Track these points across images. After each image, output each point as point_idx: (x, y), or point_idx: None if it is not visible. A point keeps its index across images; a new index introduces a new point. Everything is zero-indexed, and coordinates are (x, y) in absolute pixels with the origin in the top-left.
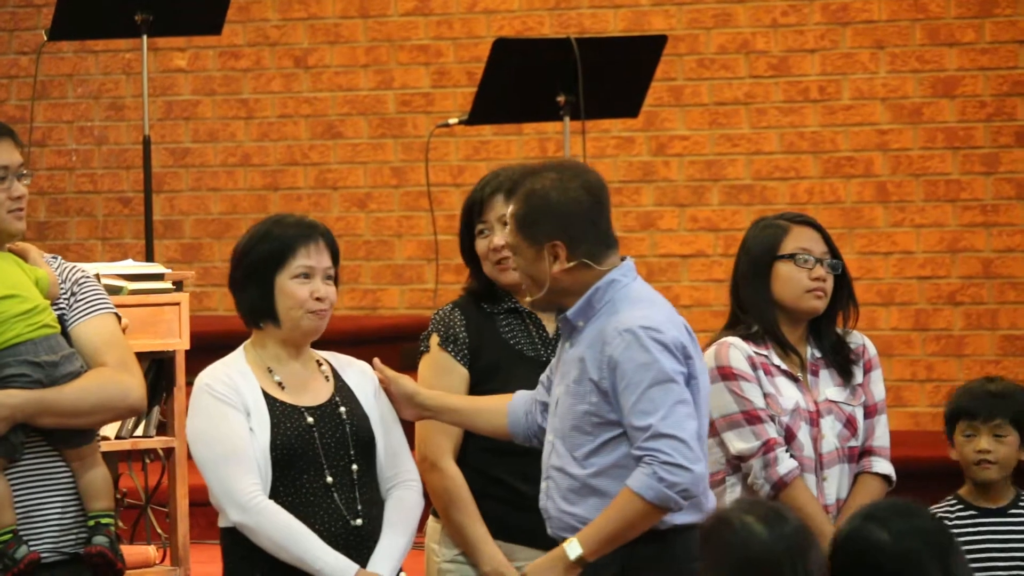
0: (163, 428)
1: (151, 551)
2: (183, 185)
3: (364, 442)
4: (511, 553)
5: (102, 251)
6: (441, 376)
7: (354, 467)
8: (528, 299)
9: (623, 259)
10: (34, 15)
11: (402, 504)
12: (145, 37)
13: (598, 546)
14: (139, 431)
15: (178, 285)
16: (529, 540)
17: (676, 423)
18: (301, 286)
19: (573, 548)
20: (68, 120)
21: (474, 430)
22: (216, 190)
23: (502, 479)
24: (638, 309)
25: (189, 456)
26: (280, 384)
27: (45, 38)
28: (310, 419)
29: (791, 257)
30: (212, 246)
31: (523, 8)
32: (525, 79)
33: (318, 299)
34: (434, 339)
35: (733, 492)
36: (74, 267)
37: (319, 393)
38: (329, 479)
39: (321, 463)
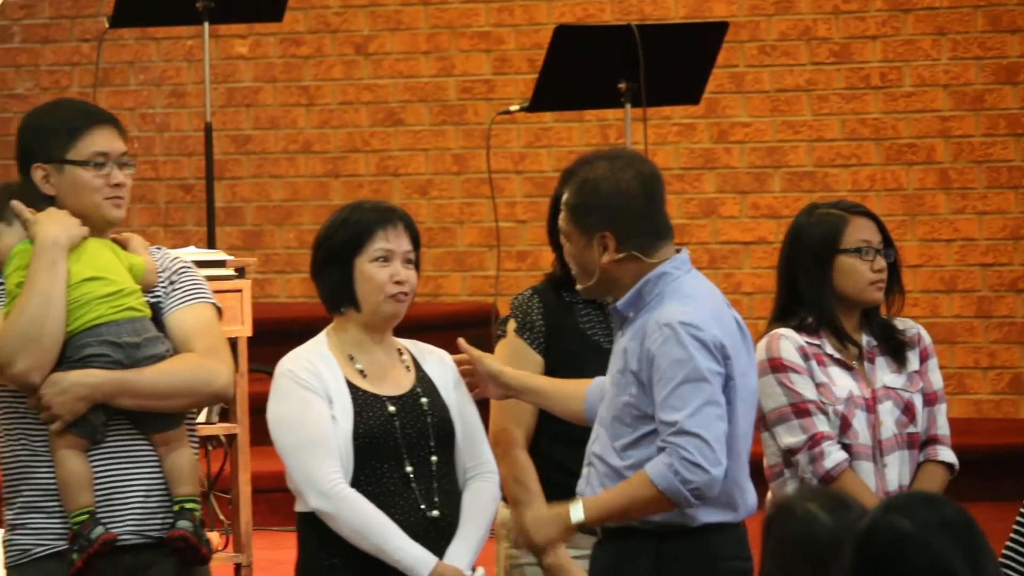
0: (226, 415)
1: (214, 538)
2: (244, 172)
3: (444, 433)
4: (575, 542)
5: (164, 238)
6: (516, 362)
7: (433, 458)
8: (579, 287)
9: (678, 250)
10: (96, 2)
11: (480, 495)
12: (207, 24)
13: (601, 517)
14: (202, 418)
15: (240, 272)
16: (592, 529)
17: (703, 423)
18: (380, 269)
19: (576, 512)
20: (130, 107)
21: (553, 411)
22: (277, 177)
23: (571, 469)
24: (682, 304)
25: (252, 443)
26: (361, 372)
27: (107, 25)
28: (392, 408)
29: (855, 251)
30: (273, 233)
31: None
32: (586, 66)
33: (398, 282)
34: (511, 324)
35: (791, 485)
36: (176, 258)
37: (400, 382)
38: (408, 469)
39: (401, 453)
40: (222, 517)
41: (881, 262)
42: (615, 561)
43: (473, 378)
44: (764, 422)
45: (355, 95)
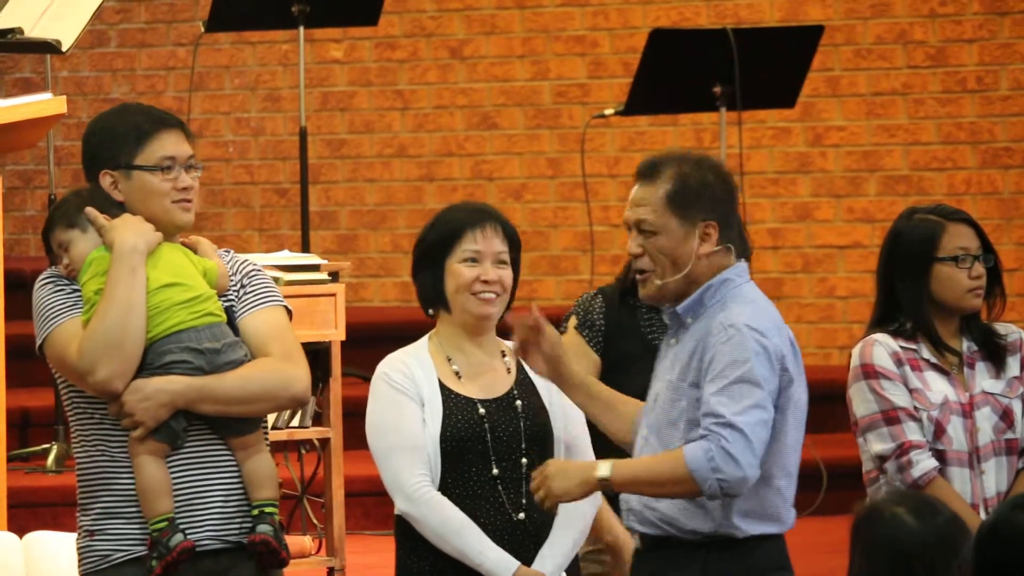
0: (319, 419)
1: (307, 541)
2: (339, 176)
3: (539, 436)
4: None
5: (259, 242)
6: (573, 358)
7: (524, 460)
8: (656, 283)
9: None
10: (192, 7)
11: (576, 502)
12: (302, 28)
13: (625, 481)
14: (295, 422)
15: (334, 276)
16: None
17: (750, 422)
18: (468, 269)
19: (603, 469)
20: (225, 111)
21: (597, 421)
22: (372, 181)
23: None
24: (748, 308)
25: (345, 447)
26: (457, 373)
27: (202, 30)
28: (482, 411)
29: (953, 259)
30: (368, 237)
31: None
32: (681, 70)
33: (484, 282)
34: (572, 321)
35: (884, 491)
36: (246, 260)
37: (497, 384)
38: (495, 471)
39: (489, 456)
40: (315, 521)
41: (979, 269)
42: (660, 570)
43: (527, 344)
44: (857, 428)
45: (450, 99)
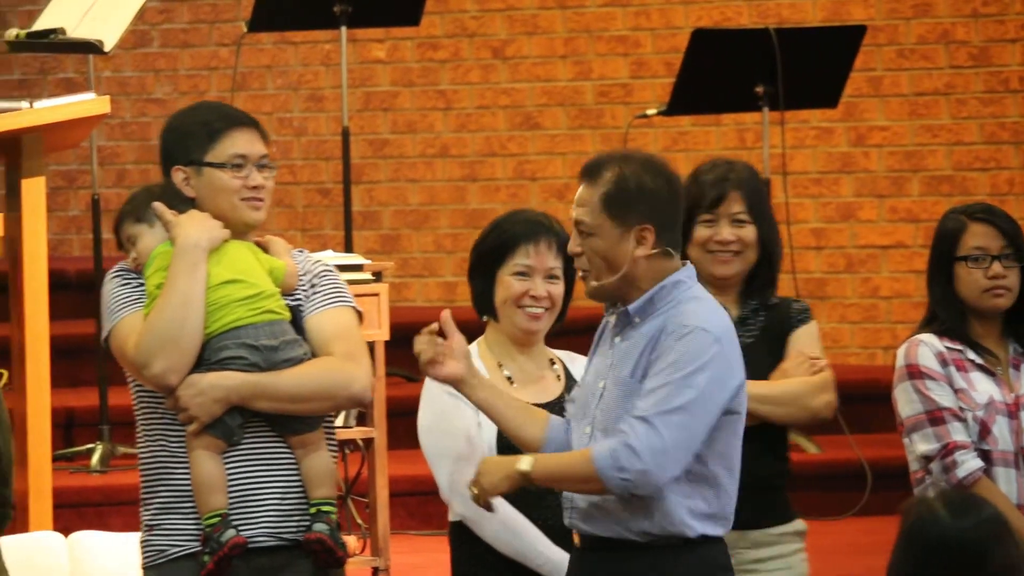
0: (363, 419)
1: (352, 541)
2: (382, 176)
3: None
4: (732, 543)
5: (302, 242)
6: None
7: None
8: (592, 284)
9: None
10: (234, 7)
11: None
12: (344, 28)
13: (542, 476)
14: (339, 421)
15: (377, 276)
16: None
17: (667, 423)
18: (518, 283)
19: (524, 463)
20: (267, 111)
21: (504, 428)
22: (414, 181)
23: None
24: (703, 309)
25: (389, 446)
26: (509, 379)
27: (245, 30)
28: None
29: (968, 259)
30: (411, 237)
31: None
32: (724, 69)
33: (533, 297)
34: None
35: (930, 492)
36: (319, 261)
37: (548, 390)
38: None
39: None
40: (359, 521)
41: (997, 268)
42: (605, 570)
43: (437, 353)
44: (902, 429)
45: (492, 99)
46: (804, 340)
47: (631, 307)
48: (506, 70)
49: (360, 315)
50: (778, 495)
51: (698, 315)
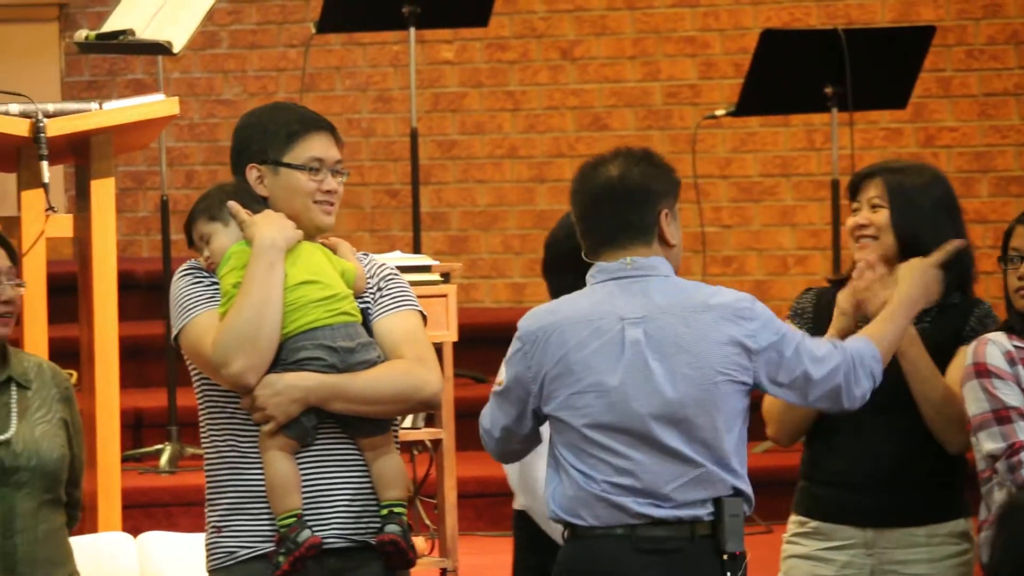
0: (431, 420)
1: (420, 542)
2: (450, 177)
3: None
4: (829, 534)
5: (370, 243)
6: None
7: None
8: None
9: (621, 259)
10: (303, 8)
11: None
12: (412, 29)
13: None
14: (407, 423)
15: (445, 277)
16: (850, 519)
17: (491, 399)
18: None
19: None
20: (336, 112)
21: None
22: (483, 182)
23: (816, 461)
24: (541, 308)
25: (457, 447)
26: None
27: (313, 31)
28: None
29: (1005, 259)
30: (479, 238)
31: None
32: (792, 70)
33: None
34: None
35: (997, 491)
36: (383, 264)
37: None
38: None
39: None
40: (428, 522)
41: None
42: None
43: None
44: (969, 427)
45: (561, 100)
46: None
47: None
48: (574, 71)
49: (425, 318)
50: (935, 492)
51: (530, 312)
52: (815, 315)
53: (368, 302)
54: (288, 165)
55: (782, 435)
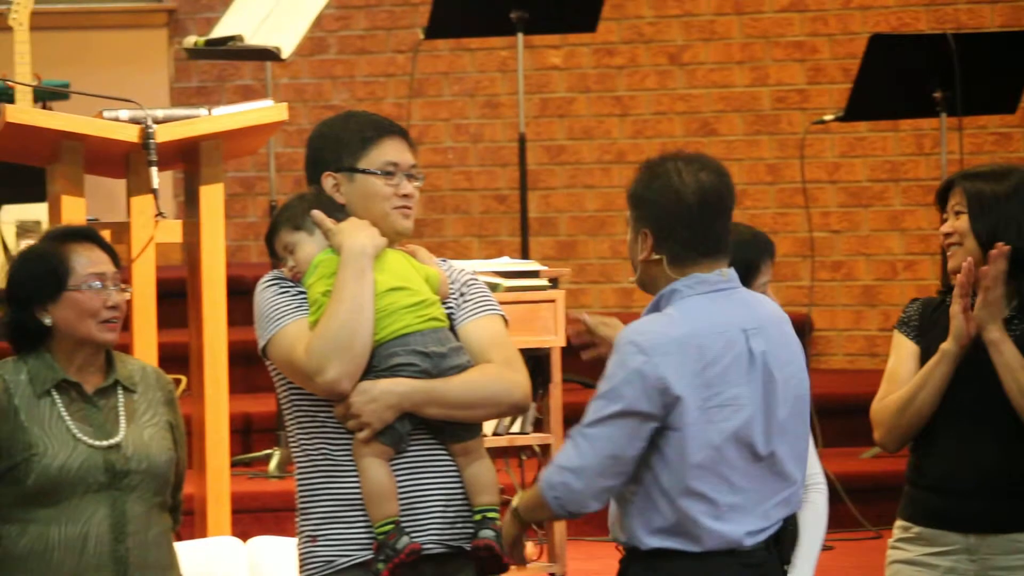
0: (539, 424)
1: (529, 547)
2: (558, 182)
3: None
4: (933, 540)
5: (478, 248)
6: (895, 351)
7: None
8: (630, 279)
9: (716, 271)
10: (411, 13)
11: (812, 507)
12: (520, 35)
13: (524, 509)
14: (515, 428)
15: (554, 282)
16: (950, 524)
17: (590, 435)
18: None
19: (515, 499)
20: (444, 118)
21: None
22: (591, 187)
23: (919, 466)
24: (655, 322)
25: None
26: None
27: (422, 36)
28: None
29: None
30: (587, 243)
31: (899, 4)
32: (901, 75)
33: None
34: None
35: None
36: (462, 269)
37: None
38: None
39: None
40: (536, 527)
41: None
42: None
43: (592, 342)
44: None
45: (669, 105)
46: None
47: (644, 312)
48: (683, 76)
49: (506, 322)
50: None
51: (641, 328)
52: (920, 325)
53: (452, 307)
54: (364, 171)
55: (889, 440)
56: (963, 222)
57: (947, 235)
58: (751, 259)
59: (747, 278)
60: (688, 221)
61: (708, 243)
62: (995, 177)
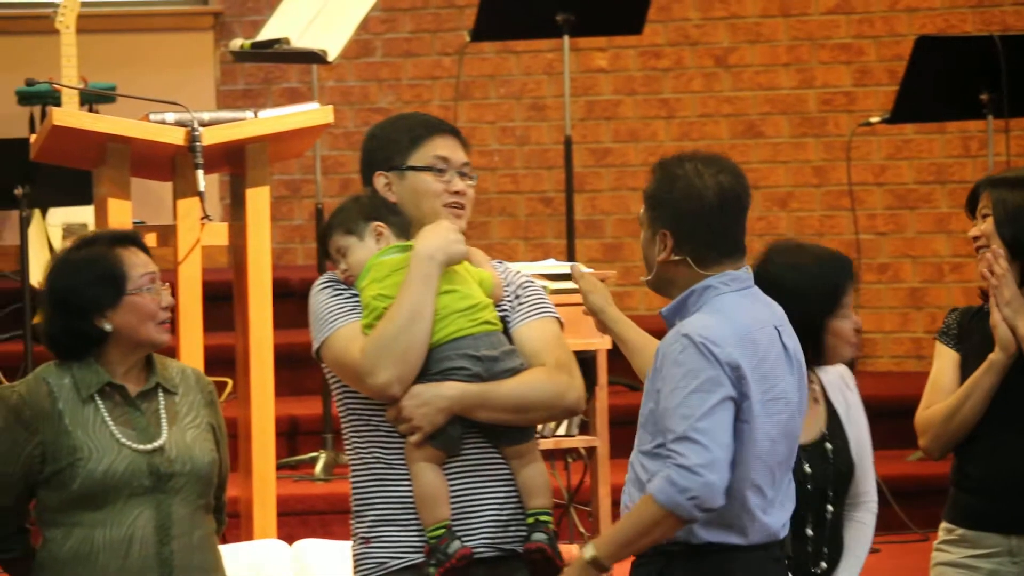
0: (586, 427)
1: (574, 549)
2: (604, 185)
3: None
4: (975, 542)
5: (524, 250)
6: (937, 361)
7: (830, 508)
8: (643, 278)
9: (740, 268)
10: (457, 16)
11: (860, 527)
12: (567, 37)
13: (612, 549)
14: (561, 430)
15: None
16: (993, 526)
17: (704, 429)
18: None
19: (588, 550)
20: (490, 120)
21: (633, 365)
22: (637, 189)
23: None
24: (709, 318)
25: (611, 455)
26: None
27: (468, 39)
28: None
29: None
30: (633, 246)
31: (945, 6)
32: (947, 77)
33: None
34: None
35: None
36: (518, 272)
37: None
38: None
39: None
40: (582, 529)
41: None
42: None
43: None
44: None
45: (715, 107)
46: None
47: (664, 311)
48: (729, 78)
49: (562, 324)
50: None
51: (699, 324)
52: (959, 334)
53: (506, 310)
54: (413, 168)
55: (935, 448)
56: (989, 225)
57: (975, 239)
58: (836, 282)
59: (832, 299)
60: (709, 222)
61: (728, 243)
62: (1020, 183)
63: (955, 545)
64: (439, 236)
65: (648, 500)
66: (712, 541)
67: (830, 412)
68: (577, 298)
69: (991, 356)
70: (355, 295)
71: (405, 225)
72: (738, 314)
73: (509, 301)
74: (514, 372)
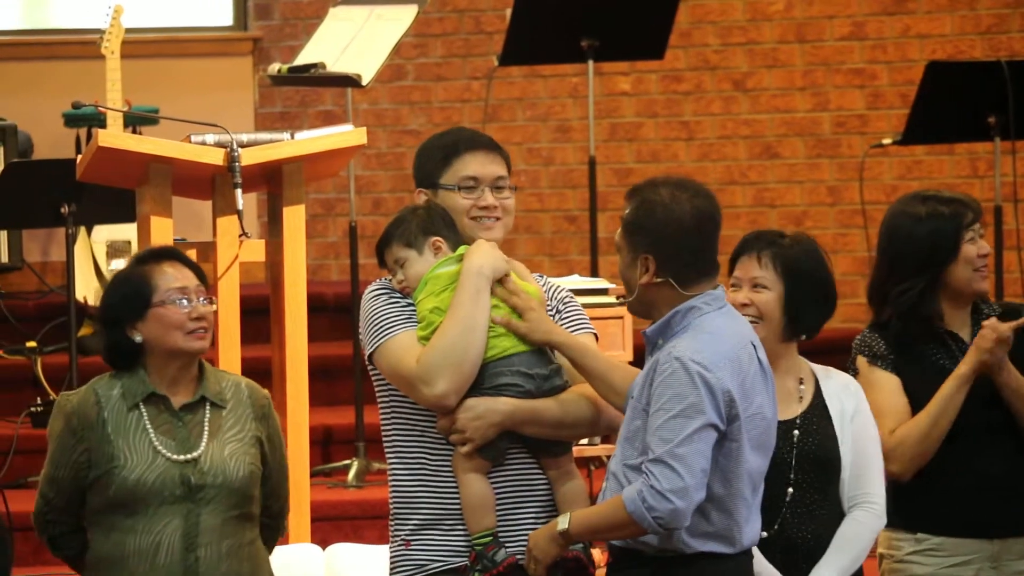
0: (608, 437)
1: (597, 555)
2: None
3: (820, 463)
4: (956, 549)
5: (549, 267)
6: (876, 386)
7: (790, 489)
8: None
9: (717, 287)
10: (486, 42)
11: (854, 524)
12: (591, 62)
13: (581, 531)
14: (583, 439)
15: (622, 300)
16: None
17: (682, 456)
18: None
19: (562, 522)
20: (517, 142)
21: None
22: None
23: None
24: (698, 341)
25: None
26: None
27: (496, 63)
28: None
29: None
30: None
31: (955, 32)
32: (957, 101)
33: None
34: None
35: None
36: (558, 286)
37: (786, 410)
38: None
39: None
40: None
41: None
42: None
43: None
44: None
45: (733, 129)
46: None
47: (649, 331)
48: (747, 101)
49: (596, 338)
50: None
51: (691, 347)
52: (895, 358)
53: None
54: (444, 186)
55: (910, 469)
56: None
57: (985, 255)
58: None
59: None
60: (688, 244)
61: (706, 263)
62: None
63: (929, 555)
64: (486, 253)
65: (619, 504)
66: (704, 551)
67: (813, 407)
68: (607, 312)
69: (958, 370)
70: (410, 304)
71: (459, 240)
72: (724, 334)
73: (551, 314)
74: (560, 389)
